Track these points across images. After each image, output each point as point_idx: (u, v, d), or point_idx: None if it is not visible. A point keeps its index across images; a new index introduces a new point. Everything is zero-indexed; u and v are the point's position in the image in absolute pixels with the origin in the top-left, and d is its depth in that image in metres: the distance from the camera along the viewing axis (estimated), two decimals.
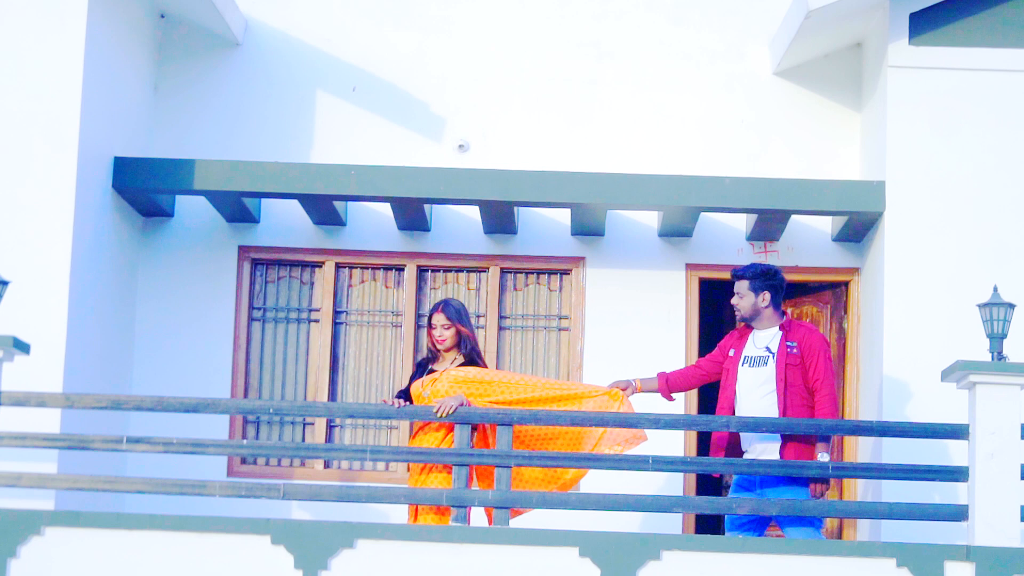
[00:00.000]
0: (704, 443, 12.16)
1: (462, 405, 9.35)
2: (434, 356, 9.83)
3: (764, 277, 9.75)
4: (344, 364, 12.06)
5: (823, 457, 9.36)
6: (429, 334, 9.79)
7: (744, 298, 9.78)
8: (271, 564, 8.84)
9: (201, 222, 12.08)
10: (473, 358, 9.78)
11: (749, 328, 9.84)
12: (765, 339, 9.71)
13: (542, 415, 9.33)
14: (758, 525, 9.63)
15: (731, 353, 9.83)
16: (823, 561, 8.78)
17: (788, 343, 9.61)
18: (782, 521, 9.44)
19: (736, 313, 9.88)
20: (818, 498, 9.44)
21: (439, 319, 9.74)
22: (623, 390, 9.81)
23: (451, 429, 9.50)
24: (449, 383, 9.61)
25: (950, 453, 10.15)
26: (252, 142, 12.17)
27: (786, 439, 9.46)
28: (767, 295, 9.74)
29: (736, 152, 12.14)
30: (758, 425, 9.33)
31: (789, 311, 12.02)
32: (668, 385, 10.02)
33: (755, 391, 9.63)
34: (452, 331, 9.72)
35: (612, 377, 10.10)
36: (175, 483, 9.32)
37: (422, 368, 9.85)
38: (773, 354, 9.62)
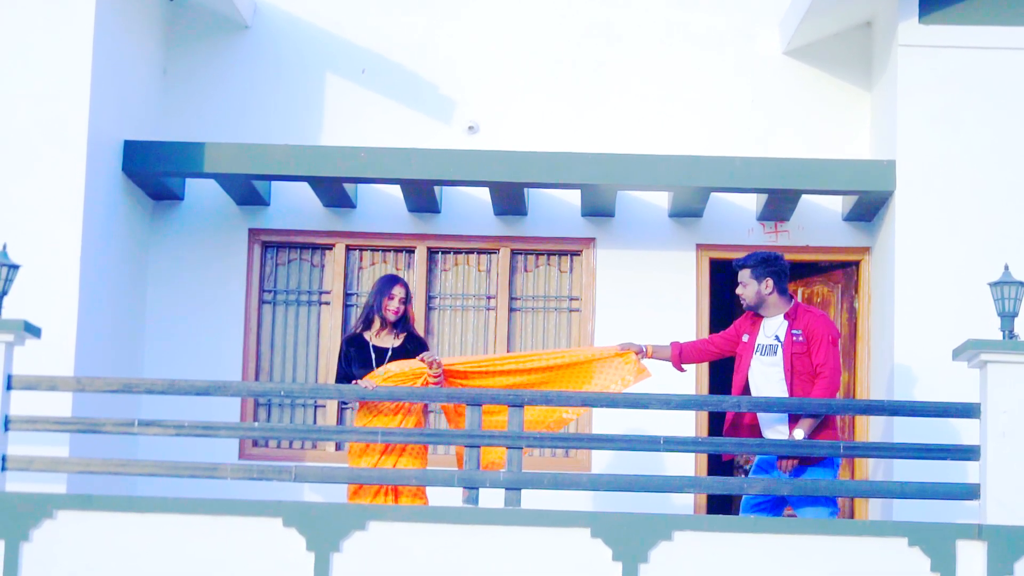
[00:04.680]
0: (717, 424, 12.18)
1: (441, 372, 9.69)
2: (366, 330, 10.05)
3: (765, 264, 9.75)
4: None
5: (797, 434, 9.36)
6: (385, 304, 9.95)
7: (747, 287, 9.78)
8: (283, 546, 8.85)
9: (211, 205, 12.08)
10: (412, 333, 10.09)
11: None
12: (774, 327, 9.72)
13: (552, 396, 9.34)
14: (772, 507, 9.63)
15: (745, 339, 9.84)
16: (835, 540, 8.78)
17: (793, 331, 9.62)
18: (796, 503, 9.45)
19: (742, 303, 9.88)
20: (786, 473, 9.45)
21: (400, 291, 10.01)
22: (636, 353, 9.86)
23: (409, 412, 9.75)
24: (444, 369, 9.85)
25: (962, 432, 10.14)
26: (262, 125, 12.17)
27: (796, 422, 9.46)
28: (770, 282, 9.73)
29: (746, 132, 12.12)
30: (769, 405, 9.34)
31: (799, 291, 12.04)
32: (681, 356, 10.05)
33: (769, 380, 9.66)
34: (404, 306, 10.01)
35: None
36: (187, 466, 9.35)
37: (363, 345, 9.94)
38: (781, 343, 9.62)
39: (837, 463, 9.52)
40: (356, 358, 9.93)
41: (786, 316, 9.69)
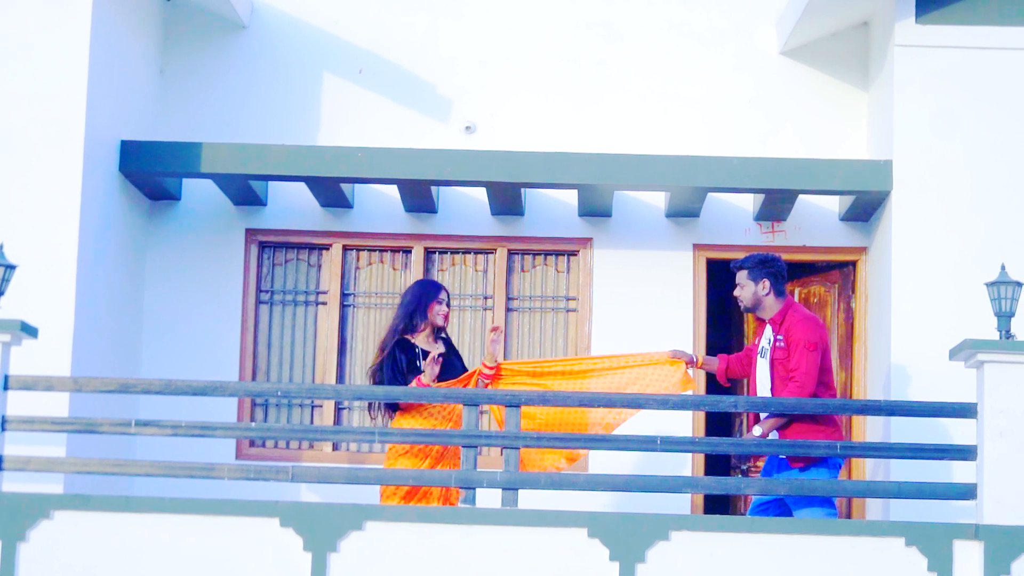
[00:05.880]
0: (713, 424, 12.18)
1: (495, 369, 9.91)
2: (411, 335, 9.99)
3: (762, 265, 9.77)
4: (352, 346, 12.07)
5: (756, 431, 9.39)
6: (434, 308, 9.95)
7: (745, 288, 9.81)
8: (280, 547, 8.84)
9: (208, 205, 12.08)
10: (448, 338, 10.13)
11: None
12: (769, 331, 9.74)
13: (549, 396, 9.35)
14: (779, 508, 9.65)
15: (756, 341, 9.88)
16: (832, 540, 8.78)
17: (777, 337, 9.64)
18: (793, 504, 9.45)
19: (740, 304, 9.89)
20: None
21: (445, 295, 10.03)
22: (687, 363, 9.88)
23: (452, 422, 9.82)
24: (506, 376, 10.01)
25: (959, 432, 10.13)
26: (259, 125, 12.16)
27: (790, 424, 9.48)
28: (766, 283, 9.75)
29: (743, 132, 12.11)
30: (765, 405, 9.36)
31: (796, 291, 12.04)
32: (728, 369, 10.08)
33: (763, 383, 9.72)
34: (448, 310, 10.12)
35: None
36: (184, 466, 9.33)
37: (410, 350, 9.91)
38: (770, 347, 9.65)
39: (839, 466, 9.52)
40: (410, 365, 9.89)
41: (771, 320, 9.71)
